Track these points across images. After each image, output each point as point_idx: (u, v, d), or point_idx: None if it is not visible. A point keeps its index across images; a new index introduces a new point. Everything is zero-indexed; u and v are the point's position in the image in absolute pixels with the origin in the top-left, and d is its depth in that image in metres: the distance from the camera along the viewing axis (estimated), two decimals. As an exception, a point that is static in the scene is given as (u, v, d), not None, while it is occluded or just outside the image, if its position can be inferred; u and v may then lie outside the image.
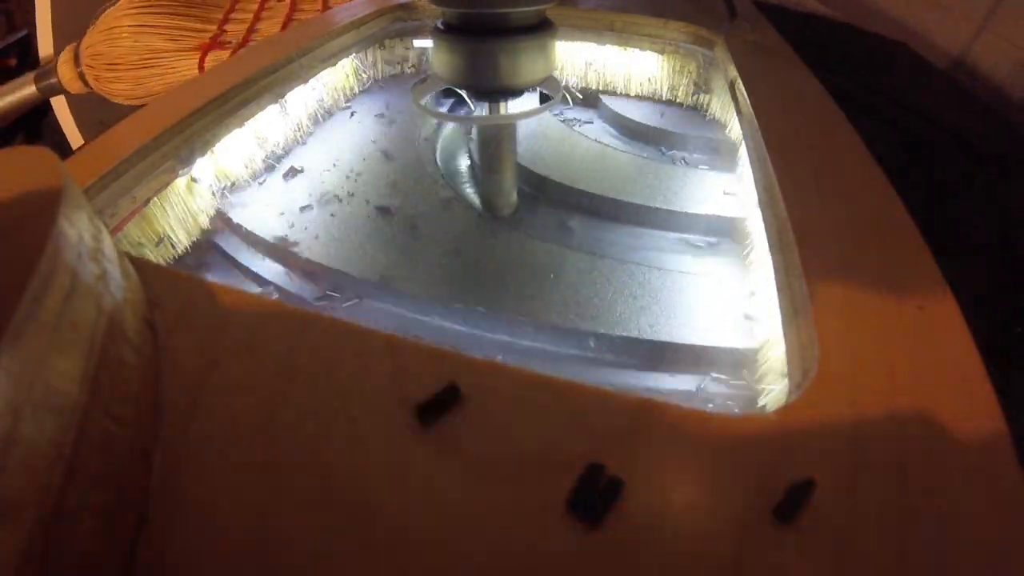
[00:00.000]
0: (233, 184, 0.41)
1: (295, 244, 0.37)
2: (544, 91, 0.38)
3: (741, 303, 0.32)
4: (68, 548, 0.11)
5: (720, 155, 0.45)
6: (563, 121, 0.51)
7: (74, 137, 0.73)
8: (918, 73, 0.64)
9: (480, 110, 0.37)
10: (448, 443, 0.15)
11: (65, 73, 0.65)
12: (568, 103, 0.54)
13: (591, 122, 0.53)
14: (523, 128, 0.47)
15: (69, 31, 0.68)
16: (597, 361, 0.31)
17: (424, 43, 0.55)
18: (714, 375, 0.29)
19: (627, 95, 0.54)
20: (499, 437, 0.15)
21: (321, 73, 0.46)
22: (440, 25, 0.34)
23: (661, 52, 0.51)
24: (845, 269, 0.21)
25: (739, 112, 0.37)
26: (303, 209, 0.40)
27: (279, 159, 0.45)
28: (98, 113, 0.70)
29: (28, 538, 0.10)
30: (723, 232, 0.38)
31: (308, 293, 0.35)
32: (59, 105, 0.72)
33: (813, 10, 0.79)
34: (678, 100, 0.52)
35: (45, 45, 0.70)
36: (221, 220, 0.39)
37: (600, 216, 0.41)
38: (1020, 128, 0.54)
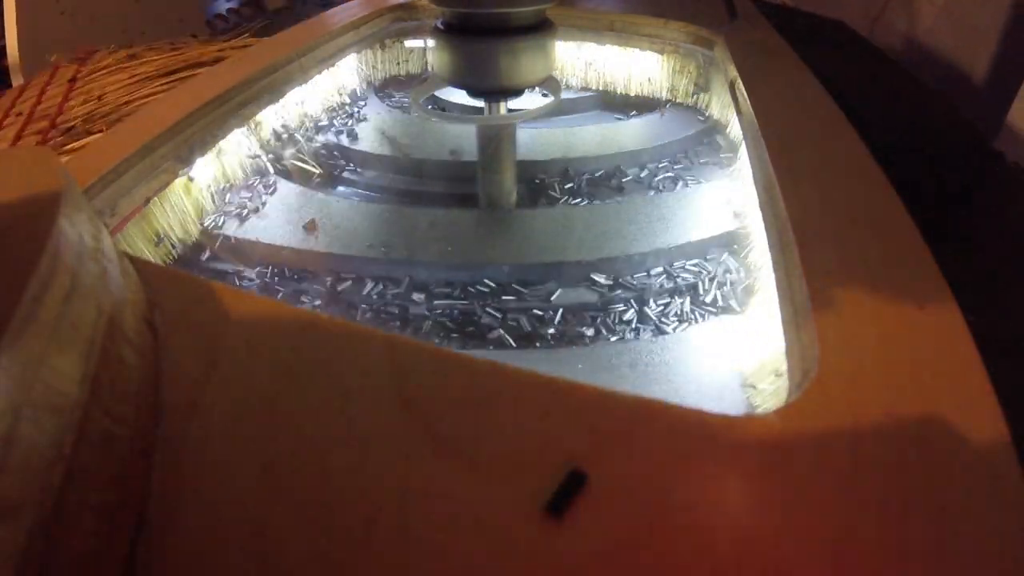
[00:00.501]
0: (232, 184, 0.41)
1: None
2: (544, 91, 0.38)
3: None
4: (68, 548, 0.11)
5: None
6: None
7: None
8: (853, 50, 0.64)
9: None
10: (448, 443, 0.15)
11: None
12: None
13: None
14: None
15: (34, 43, 0.68)
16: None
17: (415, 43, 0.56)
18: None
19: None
20: (499, 437, 0.15)
21: (321, 73, 0.46)
22: (440, 25, 0.34)
23: (661, 52, 0.51)
24: (845, 269, 0.21)
25: (739, 112, 0.37)
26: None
27: (278, 158, 0.45)
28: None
29: (28, 538, 0.10)
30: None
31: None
32: None
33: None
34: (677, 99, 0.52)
35: (13, 56, 0.70)
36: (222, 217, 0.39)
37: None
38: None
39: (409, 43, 0.56)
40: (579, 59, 0.55)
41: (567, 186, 0.44)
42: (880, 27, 0.81)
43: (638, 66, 0.53)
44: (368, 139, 0.48)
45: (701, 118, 0.49)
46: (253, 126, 0.41)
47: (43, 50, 0.68)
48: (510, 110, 0.38)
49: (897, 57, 0.71)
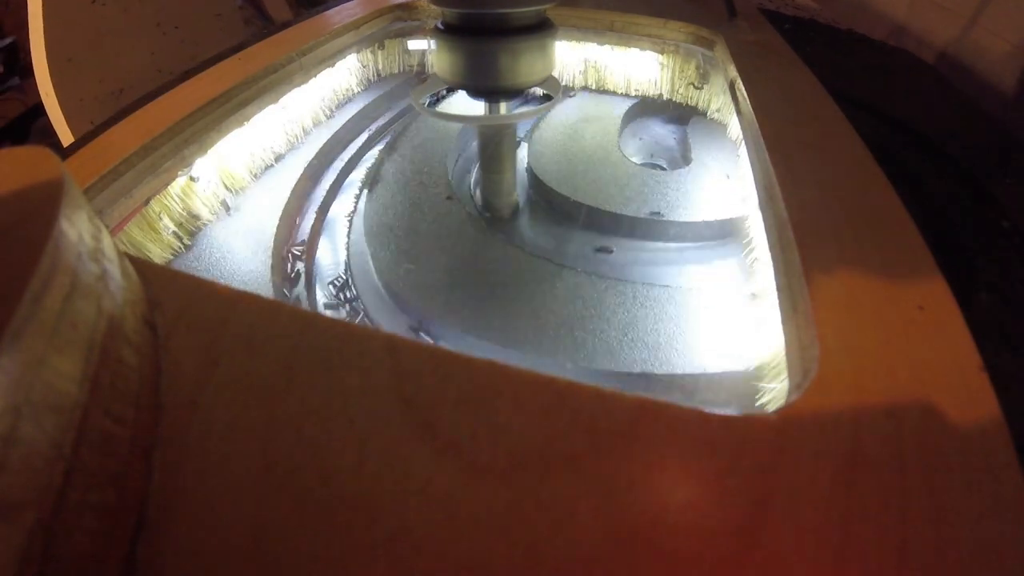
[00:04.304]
0: (232, 183, 0.41)
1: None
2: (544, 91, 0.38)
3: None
4: (68, 548, 0.11)
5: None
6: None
7: (67, 139, 0.70)
8: (911, 73, 0.63)
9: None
10: (448, 443, 0.15)
11: None
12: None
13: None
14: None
15: (62, 41, 0.64)
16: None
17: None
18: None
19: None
20: (499, 437, 0.15)
21: (321, 73, 0.46)
22: (440, 25, 0.34)
23: (661, 52, 0.51)
24: (845, 269, 0.21)
25: (739, 112, 0.37)
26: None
27: (279, 158, 0.45)
28: (89, 114, 0.66)
29: (28, 538, 0.10)
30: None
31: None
32: (52, 107, 0.68)
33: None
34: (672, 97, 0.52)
35: (39, 56, 0.65)
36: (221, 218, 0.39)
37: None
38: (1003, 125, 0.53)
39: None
40: (579, 59, 0.55)
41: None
42: (907, 38, 0.81)
43: (638, 66, 0.53)
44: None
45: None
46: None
47: (73, 43, 0.62)
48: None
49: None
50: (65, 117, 0.65)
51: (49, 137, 0.70)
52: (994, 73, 0.67)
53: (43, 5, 0.62)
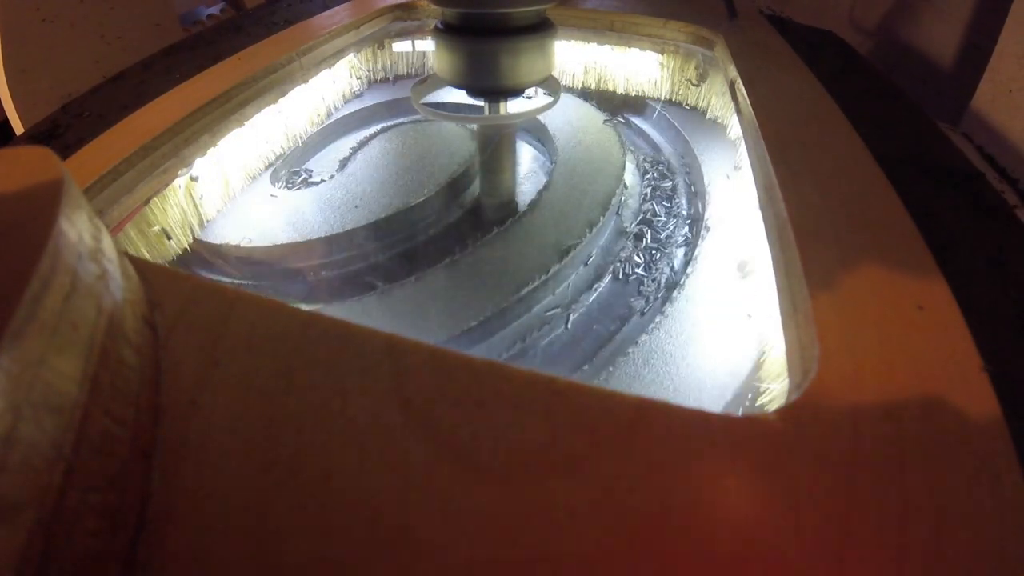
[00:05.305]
0: (232, 183, 0.41)
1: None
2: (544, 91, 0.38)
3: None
4: (68, 548, 0.11)
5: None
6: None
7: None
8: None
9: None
10: (448, 443, 0.15)
11: None
12: None
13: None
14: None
15: (15, 56, 0.68)
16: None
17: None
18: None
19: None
20: (499, 437, 0.15)
21: (321, 73, 0.46)
22: (440, 25, 0.34)
23: (661, 52, 0.51)
24: (845, 269, 0.21)
25: (739, 112, 0.37)
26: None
27: (279, 157, 0.45)
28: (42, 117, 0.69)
29: (28, 538, 0.10)
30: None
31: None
32: (11, 113, 0.71)
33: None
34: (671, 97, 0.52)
35: None
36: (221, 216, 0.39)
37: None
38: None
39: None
40: (578, 59, 0.54)
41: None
42: (854, 24, 0.82)
43: (638, 65, 0.53)
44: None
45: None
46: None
47: (26, 57, 0.68)
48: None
49: (868, 53, 0.72)
50: (21, 122, 0.70)
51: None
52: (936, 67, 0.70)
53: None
